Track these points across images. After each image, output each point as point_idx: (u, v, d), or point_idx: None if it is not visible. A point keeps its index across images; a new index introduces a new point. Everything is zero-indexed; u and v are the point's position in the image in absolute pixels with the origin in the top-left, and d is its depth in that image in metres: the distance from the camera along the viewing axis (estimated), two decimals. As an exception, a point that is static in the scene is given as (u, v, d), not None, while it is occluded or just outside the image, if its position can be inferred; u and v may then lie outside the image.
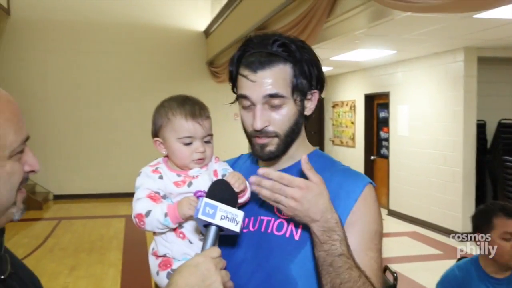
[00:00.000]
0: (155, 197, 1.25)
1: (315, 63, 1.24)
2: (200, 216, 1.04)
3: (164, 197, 1.27)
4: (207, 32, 10.59)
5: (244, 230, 1.26)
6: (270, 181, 1.10)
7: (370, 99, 9.50)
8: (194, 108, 1.29)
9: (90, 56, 10.36)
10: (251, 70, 1.20)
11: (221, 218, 1.05)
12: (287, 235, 1.20)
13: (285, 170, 1.27)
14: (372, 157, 9.47)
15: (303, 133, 1.30)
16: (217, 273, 0.99)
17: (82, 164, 10.46)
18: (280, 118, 1.21)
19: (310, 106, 1.27)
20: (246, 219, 1.27)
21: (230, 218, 1.06)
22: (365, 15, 4.87)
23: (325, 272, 1.10)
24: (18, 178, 0.92)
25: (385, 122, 8.96)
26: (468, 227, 6.59)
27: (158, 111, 1.32)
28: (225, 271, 1.03)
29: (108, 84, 10.55)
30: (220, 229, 1.07)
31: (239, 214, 1.07)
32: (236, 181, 1.21)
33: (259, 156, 1.25)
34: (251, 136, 1.24)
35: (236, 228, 1.06)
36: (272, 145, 1.23)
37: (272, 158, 1.25)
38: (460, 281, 2.16)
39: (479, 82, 6.76)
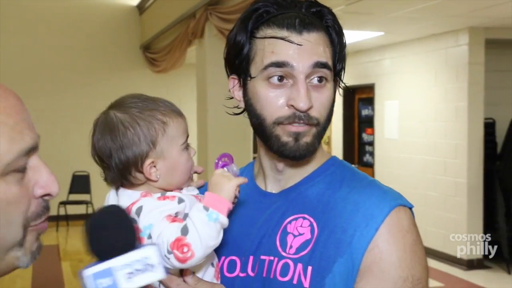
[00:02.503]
0: (177, 219, 1.15)
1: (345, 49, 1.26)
2: None
3: (185, 218, 1.17)
4: (141, 8, 10.47)
5: (242, 275, 1.24)
6: None
7: (349, 93, 9.51)
8: (169, 102, 1.27)
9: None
10: (293, 30, 1.16)
11: (129, 278, 0.92)
12: (295, 281, 1.17)
13: (292, 190, 1.27)
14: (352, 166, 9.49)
15: None
16: None
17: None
18: (322, 101, 1.19)
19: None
20: (243, 258, 1.24)
21: (142, 269, 0.93)
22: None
23: None
24: (21, 207, 0.85)
25: (369, 122, 9.04)
26: (475, 253, 6.69)
27: (135, 122, 1.21)
28: None
29: (7, 75, 10.00)
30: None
31: (150, 252, 0.94)
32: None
33: (290, 152, 1.18)
34: (278, 123, 1.18)
35: (158, 275, 0.94)
36: (309, 135, 1.18)
37: (305, 156, 1.21)
38: None
39: (487, 71, 6.83)
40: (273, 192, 1.29)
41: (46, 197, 0.88)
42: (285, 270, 1.18)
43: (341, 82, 1.27)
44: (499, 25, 6.54)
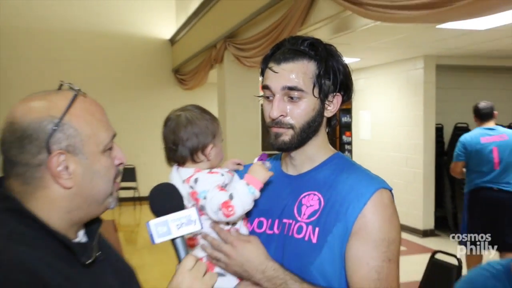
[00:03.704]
0: (223, 189, 1.27)
1: (343, 69, 1.26)
2: (158, 241, 0.98)
3: (225, 187, 1.29)
4: (172, 40, 10.33)
5: (269, 232, 1.28)
6: (212, 238, 1.24)
7: (332, 105, 9.42)
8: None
9: (53, 64, 9.86)
10: (276, 62, 1.24)
11: (178, 228, 0.99)
12: (306, 238, 1.21)
13: (306, 174, 1.30)
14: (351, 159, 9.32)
15: (323, 135, 1.31)
16: (200, 284, 0.96)
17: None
18: (297, 111, 1.23)
19: (331, 109, 1.28)
20: (270, 220, 1.29)
21: (186, 222, 0.99)
22: (330, 27, 4.69)
23: None
24: (113, 171, 0.99)
25: (347, 127, 8.94)
26: (428, 225, 6.76)
27: (201, 122, 1.33)
28: (210, 274, 0.99)
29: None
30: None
31: (192, 212, 1.00)
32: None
33: (273, 145, 1.26)
34: (268, 126, 1.27)
35: (197, 227, 1.01)
36: (286, 135, 1.24)
37: (284, 149, 1.27)
38: None
39: (437, 88, 6.83)
40: (292, 174, 1.33)
41: (121, 165, 1.02)
42: (299, 230, 1.23)
43: (340, 93, 1.26)
44: (447, 54, 6.50)
